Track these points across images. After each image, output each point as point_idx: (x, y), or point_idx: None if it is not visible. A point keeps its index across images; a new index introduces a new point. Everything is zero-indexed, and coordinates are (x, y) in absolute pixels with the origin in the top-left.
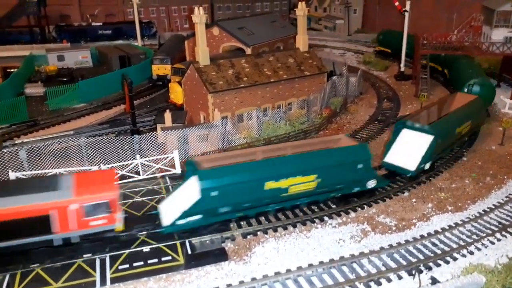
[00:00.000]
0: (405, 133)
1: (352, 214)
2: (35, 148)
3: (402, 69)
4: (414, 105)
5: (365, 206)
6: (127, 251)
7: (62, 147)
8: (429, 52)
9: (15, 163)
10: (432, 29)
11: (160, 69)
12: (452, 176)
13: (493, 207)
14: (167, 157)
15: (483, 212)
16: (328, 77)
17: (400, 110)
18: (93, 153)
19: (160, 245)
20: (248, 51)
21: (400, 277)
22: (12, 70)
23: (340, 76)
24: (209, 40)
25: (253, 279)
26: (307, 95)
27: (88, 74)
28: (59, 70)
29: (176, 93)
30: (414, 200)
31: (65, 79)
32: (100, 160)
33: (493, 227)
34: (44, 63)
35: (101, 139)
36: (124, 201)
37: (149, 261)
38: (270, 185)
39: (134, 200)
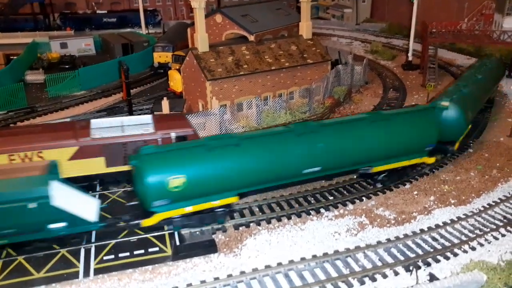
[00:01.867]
0: None
1: (350, 206)
2: None
3: (410, 58)
4: (421, 95)
5: (364, 198)
6: (113, 241)
7: None
8: (438, 41)
9: None
10: (443, 17)
11: (161, 56)
12: (457, 168)
13: (499, 201)
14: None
15: (487, 206)
16: (334, 66)
17: (406, 100)
18: None
19: (148, 235)
20: (251, 38)
21: (396, 273)
22: (15, 57)
23: (345, 64)
24: (212, 27)
25: (242, 272)
26: (309, 84)
27: (91, 62)
28: (61, 58)
29: (176, 81)
30: (415, 192)
31: (67, 66)
32: None
33: (497, 222)
34: (47, 51)
35: None
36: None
37: (135, 252)
38: None
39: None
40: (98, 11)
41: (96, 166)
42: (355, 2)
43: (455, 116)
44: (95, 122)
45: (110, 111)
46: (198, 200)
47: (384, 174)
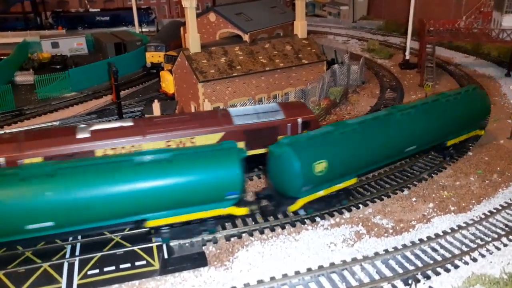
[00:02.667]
0: None
1: (346, 215)
2: None
3: (407, 57)
4: (419, 95)
5: (361, 205)
6: (99, 254)
7: None
8: (435, 40)
9: None
10: (440, 15)
11: (154, 56)
12: (456, 173)
13: (500, 207)
14: None
15: (488, 214)
16: (330, 65)
17: (404, 100)
18: None
19: (135, 247)
20: (246, 38)
21: (394, 287)
22: (4, 57)
23: (341, 64)
24: (206, 26)
25: None
26: (305, 85)
27: (83, 62)
28: (52, 58)
29: (168, 82)
30: (414, 199)
31: (58, 66)
32: None
33: (499, 231)
34: (38, 50)
35: None
36: None
37: (121, 266)
38: None
39: None
40: (91, 10)
41: None
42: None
43: (286, 165)
44: (233, 111)
45: (101, 114)
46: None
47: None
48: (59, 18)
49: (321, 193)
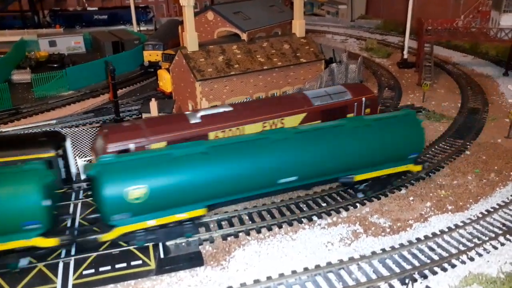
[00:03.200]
0: None
1: (344, 214)
2: None
3: (405, 56)
4: (417, 94)
5: (358, 204)
6: (95, 253)
7: None
8: (433, 39)
9: None
10: (439, 14)
11: (152, 55)
12: (453, 172)
13: (497, 206)
14: None
15: (486, 213)
16: (328, 64)
17: (402, 100)
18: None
19: (131, 247)
20: (244, 36)
21: (391, 287)
22: (1, 56)
23: (339, 63)
24: (203, 25)
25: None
26: (302, 84)
27: (81, 60)
28: (50, 56)
29: (165, 81)
30: (411, 198)
31: (55, 65)
32: (76, 153)
33: (496, 230)
34: (36, 49)
35: (78, 130)
36: None
37: (117, 266)
38: None
39: None
40: (88, 8)
41: None
42: None
43: (97, 188)
44: (309, 93)
45: (98, 112)
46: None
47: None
48: (57, 16)
49: (153, 222)
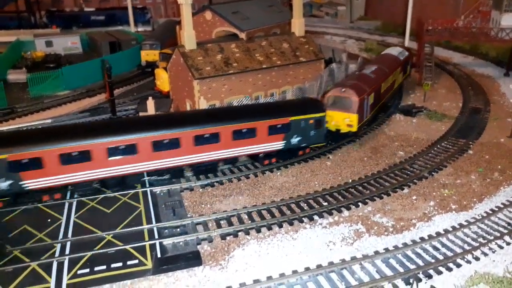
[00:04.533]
0: None
1: (345, 213)
2: None
3: None
4: (417, 94)
5: (360, 203)
6: (90, 253)
7: None
8: (434, 39)
9: None
10: (438, 14)
11: (149, 54)
12: (457, 171)
13: (502, 206)
14: None
15: (490, 212)
16: (327, 64)
17: (402, 99)
18: None
19: (127, 246)
20: (242, 36)
21: (395, 287)
22: None
23: (339, 63)
24: (202, 25)
25: None
26: (302, 83)
27: (77, 61)
28: (46, 56)
29: (162, 80)
30: (414, 197)
31: (51, 65)
32: None
33: (501, 229)
34: (32, 49)
35: None
36: None
37: (112, 265)
38: None
39: None
40: (85, 9)
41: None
42: (349, 0)
43: None
44: (392, 51)
45: (94, 112)
46: None
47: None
48: (54, 17)
49: None
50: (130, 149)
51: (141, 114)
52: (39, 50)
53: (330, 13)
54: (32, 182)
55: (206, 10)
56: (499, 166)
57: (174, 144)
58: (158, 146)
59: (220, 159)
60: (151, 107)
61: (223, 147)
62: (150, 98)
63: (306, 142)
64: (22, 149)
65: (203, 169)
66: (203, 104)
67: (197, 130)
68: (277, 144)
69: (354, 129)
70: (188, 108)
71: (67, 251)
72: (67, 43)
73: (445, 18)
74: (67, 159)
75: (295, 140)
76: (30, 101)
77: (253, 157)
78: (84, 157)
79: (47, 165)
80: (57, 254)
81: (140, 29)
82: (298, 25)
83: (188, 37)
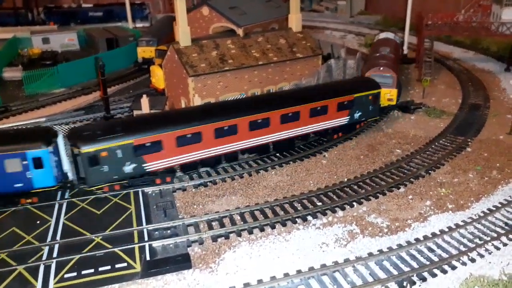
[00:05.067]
0: None
1: (340, 213)
2: None
3: (405, 52)
4: (416, 90)
5: (355, 203)
6: (77, 256)
7: None
8: (434, 34)
9: None
10: (439, 9)
11: (145, 51)
12: (454, 169)
13: (499, 205)
14: None
15: (487, 212)
16: (326, 60)
17: (402, 96)
18: None
19: (115, 249)
20: (240, 32)
21: None
22: None
23: (338, 59)
24: (199, 20)
25: None
26: (299, 80)
27: (74, 58)
28: (43, 53)
29: (158, 77)
30: (410, 197)
31: (48, 62)
32: None
33: (498, 229)
34: (29, 46)
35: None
36: None
37: (100, 269)
38: None
39: None
40: (83, 5)
41: None
42: None
43: None
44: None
45: (89, 110)
46: None
47: None
48: (51, 13)
49: None
50: (233, 130)
51: (135, 112)
52: (35, 47)
53: (330, 8)
54: (152, 164)
55: (203, 6)
56: (498, 164)
57: (265, 123)
58: (254, 125)
59: (298, 135)
60: (145, 105)
61: (302, 125)
62: (144, 96)
63: (365, 116)
64: (145, 134)
65: (285, 146)
66: (197, 102)
67: (283, 110)
68: (343, 120)
69: (394, 102)
70: (183, 105)
71: (54, 254)
72: (64, 40)
73: (447, 12)
74: (182, 141)
75: (357, 115)
76: (25, 99)
77: (322, 134)
78: (196, 138)
79: (166, 148)
80: (44, 257)
81: (138, 25)
82: (295, 21)
83: (182, 33)
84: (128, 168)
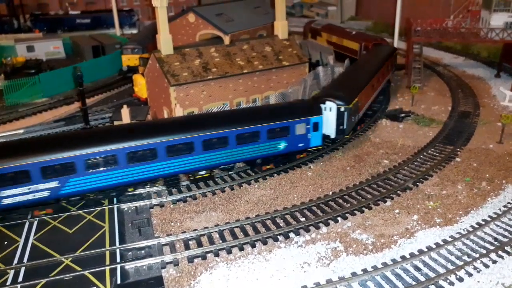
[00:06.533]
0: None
1: (323, 229)
2: None
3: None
4: (406, 98)
5: (340, 218)
6: (44, 280)
7: None
8: (422, 40)
9: None
10: (429, 14)
11: (130, 59)
12: (443, 181)
13: (489, 219)
14: None
15: (476, 226)
16: (314, 67)
17: (390, 104)
18: None
19: (85, 272)
20: (226, 39)
21: None
22: None
23: (325, 66)
24: (185, 27)
25: None
26: (286, 88)
27: (59, 66)
28: (26, 62)
29: (140, 86)
30: (397, 211)
31: (32, 71)
32: None
33: (487, 245)
34: (13, 54)
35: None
36: None
37: None
38: None
39: None
40: (71, 12)
41: None
42: (339, 0)
43: None
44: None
45: (69, 121)
46: None
47: None
48: (38, 21)
49: None
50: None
51: (115, 123)
52: (20, 55)
53: (320, 13)
54: None
55: (189, 13)
56: (487, 175)
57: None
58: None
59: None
60: (126, 116)
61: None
62: (124, 106)
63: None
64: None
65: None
66: (179, 112)
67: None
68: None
69: None
70: (166, 116)
71: (20, 278)
72: (49, 47)
73: (436, 18)
74: None
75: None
76: (5, 110)
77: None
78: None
79: None
80: (9, 281)
81: (126, 32)
82: (281, 28)
83: (164, 41)
84: (356, 118)
